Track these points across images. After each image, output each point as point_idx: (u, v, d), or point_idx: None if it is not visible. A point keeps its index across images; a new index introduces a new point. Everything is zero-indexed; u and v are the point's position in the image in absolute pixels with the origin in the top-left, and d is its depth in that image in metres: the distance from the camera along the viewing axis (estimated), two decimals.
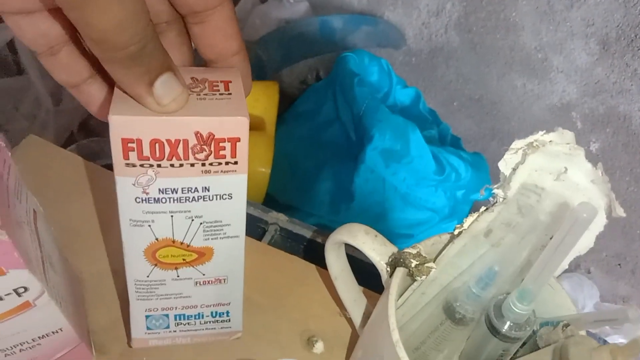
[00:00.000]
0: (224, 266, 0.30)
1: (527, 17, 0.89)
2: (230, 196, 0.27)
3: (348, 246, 0.33)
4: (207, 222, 0.27)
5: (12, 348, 0.28)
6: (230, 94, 0.25)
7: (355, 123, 0.83)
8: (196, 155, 0.24)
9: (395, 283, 0.27)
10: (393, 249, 0.30)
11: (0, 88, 0.89)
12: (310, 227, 0.48)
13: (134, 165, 0.24)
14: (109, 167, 0.36)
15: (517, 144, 0.24)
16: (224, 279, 0.31)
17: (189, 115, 0.23)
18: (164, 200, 0.26)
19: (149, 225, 0.27)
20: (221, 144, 0.24)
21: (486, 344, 0.27)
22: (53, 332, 0.29)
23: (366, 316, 0.35)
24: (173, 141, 0.24)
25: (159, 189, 0.25)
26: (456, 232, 0.28)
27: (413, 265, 0.28)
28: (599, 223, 0.24)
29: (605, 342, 0.37)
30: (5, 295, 0.25)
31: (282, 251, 0.43)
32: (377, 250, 0.30)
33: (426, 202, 0.77)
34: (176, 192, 0.26)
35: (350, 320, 0.38)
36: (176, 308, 0.31)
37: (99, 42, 0.21)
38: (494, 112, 1.02)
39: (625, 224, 0.96)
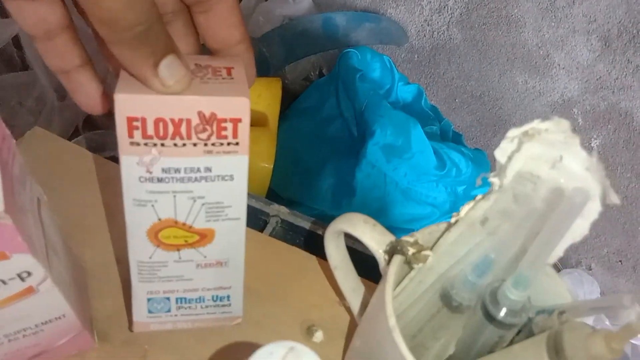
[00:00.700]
0: (225, 249, 0.31)
1: (529, 14, 0.89)
2: (231, 177, 0.27)
3: (348, 238, 0.33)
4: (208, 203, 0.28)
5: (15, 333, 0.29)
6: (232, 78, 0.26)
7: (357, 119, 0.83)
8: (199, 135, 0.25)
9: (392, 270, 0.27)
10: (391, 237, 0.30)
11: (5, 83, 0.90)
12: (310, 219, 0.49)
13: (138, 144, 0.25)
14: (113, 159, 0.37)
15: (513, 132, 0.25)
16: (225, 262, 0.31)
17: (192, 95, 0.24)
18: (167, 180, 0.26)
19: (152, 205, 0.27)
20: (223, 124, 0.25)
21: (482, 331, 0.28)
22: (56, 318, 0.30)
23: (365, 305, 0.36)
24: (176, 120, 0.24)
25: (162, 169, 0.26)
26: (453, 220, 0.28)
27: (410, 253, 0.28)
28: (594, 210, 0.24)
29: None
30: (9, 279, 0.25)
31: (283, 242, 0.43)
32: (375, 239, 0.30)
33: (427, 197, 0.77)
34: (179, 172, 0.26)
35: (349, 310, 0.38)
36: (177, 291, 0.32)
37: (107, 21, 0.21)
38: (496, 108, 1.03)
39: (626, 221, 0.96)
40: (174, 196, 0.27)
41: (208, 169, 0.26)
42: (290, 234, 0.50)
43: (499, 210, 0.27)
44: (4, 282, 0.25)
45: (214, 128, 0.25)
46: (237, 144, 0.26)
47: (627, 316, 0.22)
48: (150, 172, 0.26)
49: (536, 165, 0.25)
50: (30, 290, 0.27)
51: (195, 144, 0.25)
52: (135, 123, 0.24)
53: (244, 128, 0.25)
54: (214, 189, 0.27)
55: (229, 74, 0.26)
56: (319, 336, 0.38)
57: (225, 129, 0.25)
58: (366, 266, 0.35)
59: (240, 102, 0.25)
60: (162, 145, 0.25)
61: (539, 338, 0.25)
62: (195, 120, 0.25)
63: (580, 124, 0.93)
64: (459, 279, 0.28)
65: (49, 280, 0.27)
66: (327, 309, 0.39)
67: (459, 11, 0.97)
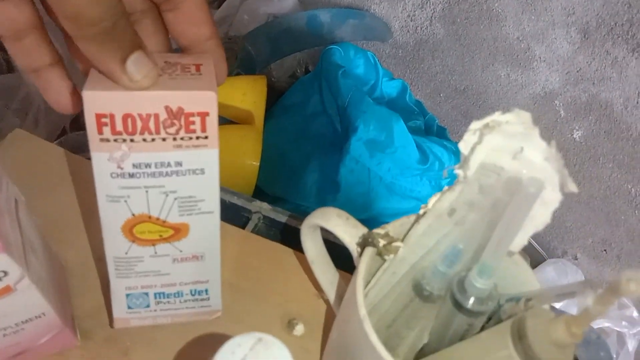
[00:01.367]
0: (201, 243, 0.31)
1: (509, 8, 0.90)
2: (202, 171, 0.28)
3: (327, 233, 0.34)
4: (181, 198, 0.28)
5: None
6: (201, 74, 0.26)
7: (341, 115, 0.84)
8: (167, 129, 0.25)
9: (363, 261, 0.28)
10: (364, 230, 0.31)
11: None
12: (292, 214, 0.49)
13: (108, 140, 0.25)
14: None
15: (475, 124, 0.25)
16: (201, 256, 0.32)
17: (160, 90, 0.25)
18: (138, 175, 0.27)
19: (125, 201, 0.28)
20: (191, 118, 0.25)
21: (452, 320, 0.28)
22: (36, 317, 0.30)
23: (342, 297, 0.36)
24: (144, 115, 0.25)
25: (133, 164, 0.26)
26: (421, 212, 0.29)
27: (381, 244, 0.29)
28: (555, 199, 0.25)
29: None
30: None
31: (264, 238, 0.44)
32: (348, 232, 0.31)
33: (411, 191, 0.78)
34: (150, 167, 0.27)
35: (328, 302, 0.39)
36: (155, 286, 0.32)
37: (73, 17, 0.22)
38: (480, 102, 1.03)
39: (610, 211, 0.98)
40: (146, 191, 0.27)
41: (178, 164, 0.27)
42: (272, 230, 0.50)
43: (466, 201, 0.27)
44: None
45: (182, 122, 0.25)
46: (206, 137, 0.26)
47: (586, 302, 0.23)
48: (122, 168, 0.26)
49: (499, 157, 0.26)
50: (7, 290, 0.27)
51: (164, 139, 0.26)
52: (103, 119, 0.24)
53: (212, 122, 0.26)
54: (185, 183, 0.28)
55: (198, 70, 0.26)
56: (299, 329, 0.38)
57: (193, 123, 0.26)
58: (345, 259, 0.36)
59: (207, 96, 0.25)
60: (132, 140, 0.25)
61: (504, 325, 0.26)
62: (163, 115, 0.25)
63: (562, 115, 0.94)
64: (430, 269, 0.29)
65: (27, 279, 0.27)
66: (307, 303, 0.40)
67: (441, 6, 0.98)
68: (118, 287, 0.32)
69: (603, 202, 0.98)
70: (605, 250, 1.02)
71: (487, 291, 0.27)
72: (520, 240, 0.27)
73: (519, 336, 0.24)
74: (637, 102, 0.86)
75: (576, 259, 1.07)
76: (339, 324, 0.34)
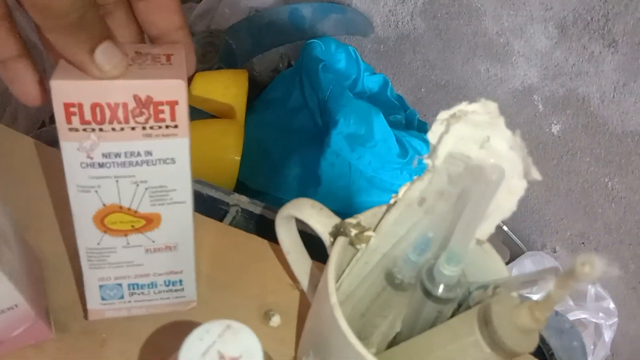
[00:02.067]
0: (173, 233, 0.31)
1: (489, 3, 0.91)
2: (173, 160, 0.28)
3: (303, 225, 0.34)
4: (152, 188, 0.28)
5: None
6: (171, 64, 0.26)
7: (321, 109, 0.84)
8: (136, 118, 0.26)
9: (335, 250, 0.28)
10: (337, 220, 0.31)
11: None
12: (270, 207, 0.50)
13: (77, 130, 0.25)
14: None
15: (442, 114, 0.26)
16: (174, 246, 0.32)
17: (128, 79, 0.25)
18: (108, 165, 0.27)
19: (96, 191, 0.28)
20: (160, 107, 0.26)
21: (422, 307, 0.29)
22: (9, 308, 0.30)
23: (317, 287, 0.37)
24: (113, 105, 0.25)
25: (103, 154, 0.26)
26: (392, 201, 0.29)
27: (353, 234, 0.29)
28: (520, 187, 0.25)
29: None
30: None
31: (241, 230, 0.44)
32: (321, 222, 0.31)
33: (391, 184, 0.78)
34: (119, 157, 0.27)
35: (303, 292, 0.39)
36: (129, 277, 0.32)
37: (42, 8, 0.22)
38: (460, 97, 1.04)
39: (587, 204, 0.99)
40: (117, 181, 0.27)
41: (148, 153, 0.27)
42: (251, 223, 0.50)
43: (435, 190, 0.28)
44: None
45: (151, 111, 0.26)
46: (175, 126, 0.26)
47: (549, 287, 0.24)
48: (91, 158, 0.26)
49: (466, 146, 0.26)
50: None
51: (133, 128, 0.26)
52: (72, 109, 0.25)
53: (182, 111, 0.26)
54: (156, 173, 0.28)
55: (168, 60, 0.26)
56: (275, 320, 0.39)
57: (162, 111, 0.26)
58: (321, 251, 0.36)
59: (176, 85, 0.25)
60: (101, 130, 0.26)
61: (472, 311, 0.27)
62: (131, 104, 0.25)
63: (540, 110, 0.96)
64: (401, 258, 0.29)
65: None
66: (283, 294, 0.40)
67: (421, 1, 0.99)
68: (91, 279, 0.32)
69: (581, 196, 0.99)
70: (583, 243, 1.04)
71: (455, 278, 0.27)
72: (488, 227, 0.27)
73: (485, 322, 0.25)
74: (613, 97, 0.87)
75: (555, 252, 1.08)
76: (313, 314, 0.34)
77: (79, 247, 0.30)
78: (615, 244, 1.00)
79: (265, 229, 0.49)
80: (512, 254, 1.05)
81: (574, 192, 1.00)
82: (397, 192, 0.29)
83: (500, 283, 0.28)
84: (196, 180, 0.50)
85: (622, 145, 0.91)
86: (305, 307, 0.40)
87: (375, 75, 0.99)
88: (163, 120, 0.26)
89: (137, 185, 0.28)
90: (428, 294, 0.28)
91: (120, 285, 0.33)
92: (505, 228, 1.07)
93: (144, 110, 0.25)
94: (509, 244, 1.07)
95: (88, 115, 0.25)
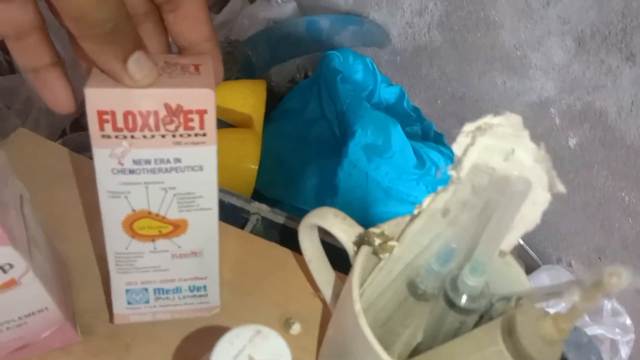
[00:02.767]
0: (199, 239, 0.32)
1: (506, 16, 0.91)
2: (201, 168, 0.28)
3: (325, 233, 0.34)
4: (180, 194, 0.29)
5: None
6: (199, 73, 0.27)
7: (339, 119, 0.85)
8: (166, 126, 0.26)
9: (359, 259, 0.29)
10: (360, 229, 0.32)
11: None
12: (290, 216, 0.50)
13: (109, 137, 0.26)
14: None
15: (468, 127, 0.26)
16: (200, 252, 0.33)
17: (159, 88, 0.25)
18: (138, 172, 0.27)
19: (126, 197, 0.28)
20: (189, 116, 0.26)
21: (445, 317, 0.29)
22: (39, 311, 0.31)
23: (338, 296, 0.37)
24: (144, 113, 0.26)
25: (134, 160, 0.27)
26: (416, 211, 0.29)
27: (376, 243, 0.30)
28: (544, 200, 0.26)
29: None
30: None
31: (262, 238, 0.45)
32: (344, 230, 0.32)
33: (408, 195, 0.79)
34: (149, 163, 0.27)
35: (325, 301, 0.40)
36: (155, 282, 0.33)
37: (77, 18, 0.22)
38: (477, 109, 1.05)
39: (604, 218, 0.98)
40: (146, 187, 0.28)
41: (178, 160, 0.28)
42: (271, 231, 0.51)
43: (459, 201, 0.28)
44: None
45: (181, 120, 0.26)
46: (204, 135, 0.27)
47: (574, 299, 0.24)
48: (122, 164, 0.27)
49: (491, 158, 0.27)
50: (12, 283, 0.28)
51: (163, 136, 0.27)
52: (105, 116, 0.25)
53: (210, 119, 0.27)
54: (184, 180, 0.29)
55: (197, 70, 0.27)
56: (296, 328, 0.39)
57: (191, 120, 0.26)
58: (342, 261, 0.36)
59: (205, 94, 0.26)
60: (132, 137, 0.26)
61: (495, 322, 0.27)
62: (162, 113, 0.26)
63: (557, 123, 0.95)
64: (424, 268, 0.30)
65: (31, 272, 0.28)
66: (304, 302, 0.41)
67: (438, 14, 0.99)
68: (118, 283, 0.33)
69: (597, 210, 0.99)
70: (599, 257, 1.03)
71: (479, 289, 0.27)
72: (512, 239, 0.28)
73: (509, 332, 0.25)
74: (631, 111, 0.87)
75: (570, 266, 1.07)
76: (335, 322, 0.34)
77: (107, 252, 0.31)
78: (632, 259, 0.99)
79: (285, 237, 0.49)
80: (527, 268, 1.04)
81: (590, 206, 0.99)
82: (414, 203, 0.30)
83: (523, 295, 0.28)
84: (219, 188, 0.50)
85: (639, 159, 0.90)
86: (327, 316, 0.40)
87: (392, 87, 0.99)
88: (192, 128, 0.27)
89: (166, 191, 0.29)
90: (451, 304, 0.28)
91: (146, 289, 0.33)
92: (521, 241, 1.06)
93: (174, 118, 0.26)
94: (525, 257, 1.06)
95: (120, 123, 0.26)
